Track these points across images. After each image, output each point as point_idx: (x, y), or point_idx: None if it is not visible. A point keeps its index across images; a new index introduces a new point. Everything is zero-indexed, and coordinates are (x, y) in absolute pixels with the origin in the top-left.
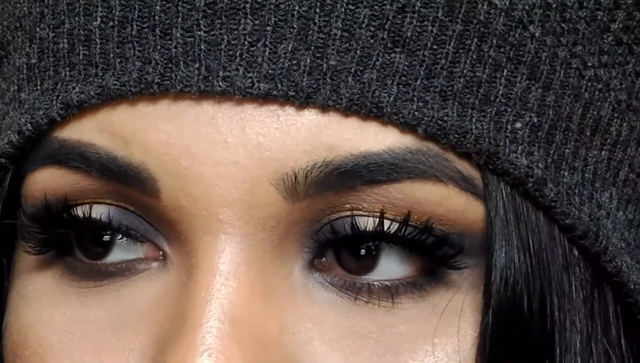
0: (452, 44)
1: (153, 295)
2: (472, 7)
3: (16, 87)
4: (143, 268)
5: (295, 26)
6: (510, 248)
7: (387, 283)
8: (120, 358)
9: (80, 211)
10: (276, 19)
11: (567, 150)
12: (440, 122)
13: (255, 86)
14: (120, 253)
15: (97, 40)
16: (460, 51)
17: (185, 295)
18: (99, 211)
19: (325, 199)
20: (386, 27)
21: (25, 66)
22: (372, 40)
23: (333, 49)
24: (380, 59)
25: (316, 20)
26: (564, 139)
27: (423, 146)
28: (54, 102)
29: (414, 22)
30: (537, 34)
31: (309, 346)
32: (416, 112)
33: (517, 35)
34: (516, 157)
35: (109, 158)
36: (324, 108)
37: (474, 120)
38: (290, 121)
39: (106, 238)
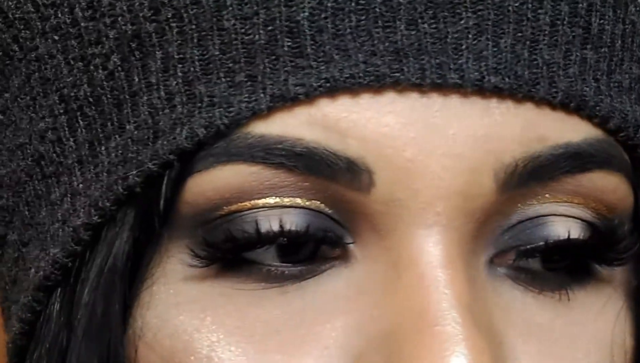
0: (619, 42)
1: (338, 291)
2: (626, 7)
3: (180, 81)
4: (324, 268)
5: (511, 21)
6: None
7: (560, 275)
8: (314, 355)
9: (274, 225)
10: (495, 14)
11: None
12: (623, 116)
13: (486, 78)
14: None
15: (307, 31)
16: (622, 49)
17: (403, 289)
18: (293, 221)
19: (526, 190)
20: (580, 24)
21: (197, 58)
22: (571, 36)
23: (544, 44)
24: (578, 54)
25: (529, 15)
26: None
27: (607, 137)
28: (261, 94)
29: (597, 20)
30: None
31: (507, 337)
32: (609, 107)
33: None
34: None
35: (323, 152)
36: (538, 101)
37: (638, 114)
38: (509, 113)
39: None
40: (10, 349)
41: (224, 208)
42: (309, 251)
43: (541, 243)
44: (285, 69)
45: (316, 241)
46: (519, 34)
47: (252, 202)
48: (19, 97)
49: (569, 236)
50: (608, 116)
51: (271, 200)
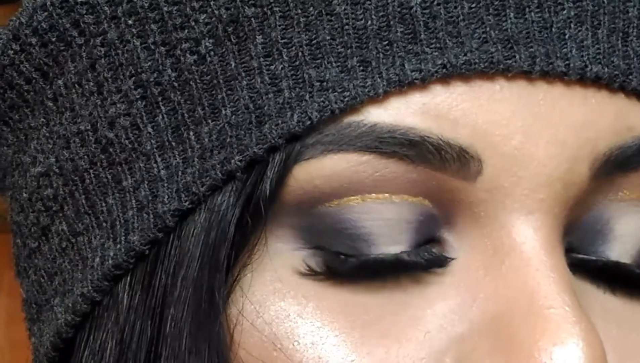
0: None
1: (441, 280)
2: None
3: (286, 65)
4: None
5: (606, 12)
6: None
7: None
8: (416, 339)
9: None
10: (592, 5)
11: None
12: None
13: (588, 67)
14: None
15: (420, 17)
16: None
17: (507, 273)
18: (404, 238)
19: (609, 180)
20: None
21: (305, 42)
22: None
23: (634, 36)
24: None
25: (620, 7)
26: None
27: None
28: (377, 79)
29: None
30: None
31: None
32: None
33: None
34: None
35: (437, 140)
36: (629, 92)
37: None
38: (604, 102)
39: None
40: (50, 343)
41: (334, 200)
42: (426, 255)
43: (607, 262)
44: (399, 54)
45: (423, 243)
46: (612, 26)
47: (362, 196)
48: (79, 84)
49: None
50: None
51: (381, 196)
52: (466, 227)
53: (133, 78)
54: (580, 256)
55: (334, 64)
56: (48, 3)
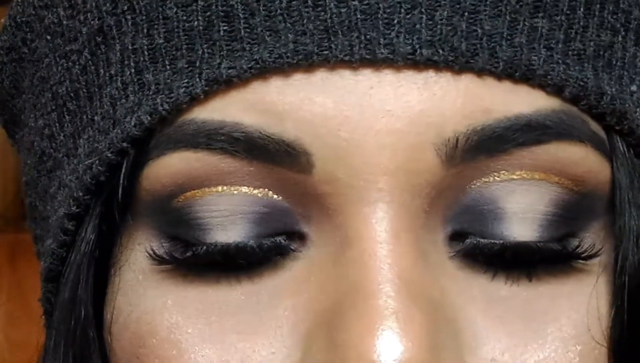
0: (581, 9)
1: (294, 274)
2: None
3: (132, 70)
4: (282, 253)
5: None
6: (637, 209)
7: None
8: (268, 335)
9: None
10: None
11: None
12: (581, 84)
13: (417, 52)
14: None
15: (240, 15)
16: (587, 16)
17: (346, 265)
18: (242, 229)
19: (477, 164)
20: None
21: (146, 47)
22: (518, 6)
23: (485, 14)
24: (527, 23)
25: None
26: None
27: (565, 108)
28: (197, 79)
29: None
30: None
31: (464, 311)
32: (562, 75)
33: (626, 2)
34: (638, 117)
35: (260, 136)
36: (480, 72)
37: (605, 82)
38: (448, 86)
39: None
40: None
41: (180, 196)
42: (266, 245)
43: (496, 242)
44: (221, 53)
45: (270, 236)
46: (457, 6)
47: (202, 190)
48: (28, 97)
49: (526, 243)
50: (561, 84)
51: (219, 188)
52: (321, 220)
53: (50, 90)
54: (476, 239)
55: (167, 67)
56: (7, 24)
